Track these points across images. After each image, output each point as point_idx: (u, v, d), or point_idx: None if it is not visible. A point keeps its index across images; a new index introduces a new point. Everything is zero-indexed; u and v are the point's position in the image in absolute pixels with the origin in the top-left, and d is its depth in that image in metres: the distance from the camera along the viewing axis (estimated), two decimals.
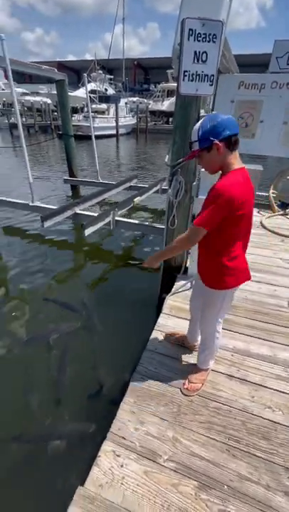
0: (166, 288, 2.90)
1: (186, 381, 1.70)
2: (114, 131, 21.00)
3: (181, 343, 1.99)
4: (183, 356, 1.93)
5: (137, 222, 4.12)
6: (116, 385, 2.20)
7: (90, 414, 2.01)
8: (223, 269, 1.37)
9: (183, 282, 2.73)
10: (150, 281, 3.64)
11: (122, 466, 1.32)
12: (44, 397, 2.13)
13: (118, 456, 1.36)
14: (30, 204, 4.67)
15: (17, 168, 10.50)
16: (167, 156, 2.50)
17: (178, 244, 1.38)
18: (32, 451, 1.83)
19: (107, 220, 3.99)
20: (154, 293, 3.26)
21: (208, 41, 1.82)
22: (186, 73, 1.93)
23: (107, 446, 1.40)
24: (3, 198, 5.03)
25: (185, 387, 1.67)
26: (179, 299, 2.54)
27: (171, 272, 2.90)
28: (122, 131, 22.43)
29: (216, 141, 1.19)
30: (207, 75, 1.95)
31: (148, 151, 15.80)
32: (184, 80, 1.96)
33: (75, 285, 3.56)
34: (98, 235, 4.77)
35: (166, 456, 1.37)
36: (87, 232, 3.62)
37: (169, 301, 2.52)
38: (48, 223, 3.89)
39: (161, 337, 2.09)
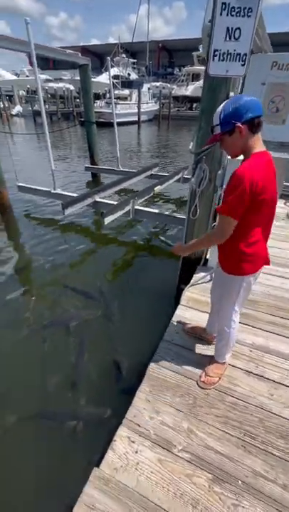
0: (185, 279, 2.86)
1: (203, 374, 1.69)
2: (136, 118, 20.59)
3: (198, 336, 1.97)
4: (200, 349, 1.91)
5: (156, 211, 4.06)
6: (132, 372, 2.23)
7: (105, 400, 2.06)
8: (241, 256, 1.33)
9: (202, 274, 2.68)
10: (168, 272, 3.61)
11: (136, 452, 1.35)
12: (61, 380, 2.21)
13: (133, 442, 1.39)
14: (52, 191, 4.74)
15: (39, 155, 10.65)
16: (192, 143, 2.40)
17: (212, 237, 1.36)
18: (49, 430, 1.91)
19: (126, 209, 3.97)
20: (172, 283, 3.23)
21: (243, 16, 1.68)
22: (216, 52, 1.80)
23: (122, 431, 1.43)
24: (26, 185, 5.14)
25: (202, 380, 1.66)
26: (197, 291, 2.49)
27: (191, 264, 2.85)
28: (144, 117, 21.97)
29: (239, 124, 1.15)
30: (239, 54, 1.82)
31: (170, 139, 15.40)
32: (213, 59, 1.84)
33: (93, 273, 3.60)
34: (117, 223, 4.78)
35: (180, 446, 1.37)
36: (107, 220, 3.63)
37: (187, 292, 2.48)
38: (68, 210, 3.93)
39: (178, 328, 2.08)
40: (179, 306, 2.32)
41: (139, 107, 20.75)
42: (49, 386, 2.17)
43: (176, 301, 2.86)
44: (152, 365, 1.79)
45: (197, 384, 1.66)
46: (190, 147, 2.40)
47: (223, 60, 1.85)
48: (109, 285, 3.36)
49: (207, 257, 2.84)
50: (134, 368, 2.27)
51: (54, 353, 2.45)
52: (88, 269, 3.68)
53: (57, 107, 23.29)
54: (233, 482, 1.24)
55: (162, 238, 4.48)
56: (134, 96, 21.80)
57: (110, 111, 19.36)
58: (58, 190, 4.74)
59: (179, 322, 2.14)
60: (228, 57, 1.83)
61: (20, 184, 5.14)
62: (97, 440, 1.77)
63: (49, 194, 4.80)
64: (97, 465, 1.30)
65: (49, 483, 1.62)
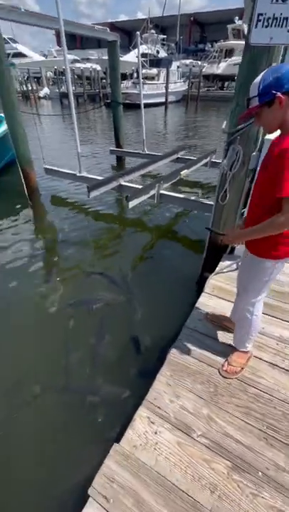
0: (209, 267, 2.78)
1: (226, 363, 1.65)
2: (163, 99, 19.82)
3: (222, 325, 1.92)
4: (223, 338, 1.86)
5: (182, 196, 3.93)
6: (150, 356, 2.26)
7: (122, 381, 2.10)
8: (278, 238, 1.24)
9: (228, 262, 2.58)
10: (191, 259, 3.54)
11: (155, 433, 1.37)
12: (82, 358, 2.28)
13: (152, 423, 1.41)
14: (78, 174, 4.75)
15: (65, 137, 10.69)
16: (225, 122, 2.24)
17: (280, 227, 1.16)
18: (70, 403, 1.99)
19: (151, 193, 3.89)
20: (195, 271, 3.17)
21: None
22: (260, 17, 1.63)
23: (142, 412, 1.45)
24: (53, 168, 5.19)
25: (224, 369, 1.63)
26: (222, 279, 2.42)
27: (217, 251, 2.76)
28: (171, 98, 21.07)
29: (279, 94, 1.06)
30: (286, 19, 1.62)
31: (198, 121, 14.71)
32: (256, 26, 1.66)
33: (116, 257, 3.62)
34: (142, 208, 4.73)
35: (199, 432, 1.37)
36: (131, 204, 3.58)
37: (212, 280, 2.42)
38: (93, 193, 3.93)
39: (201, 316, 2.04)
40: (203, 294, 2.27)
41: (166, 87, 19.90)
42: (71, 362, 2.25)
43: (199, 289, 2.81)
44: (174, 351, 1.78)
45: (219, 372, 1.64)
46: (223, 126, 2.25)
47: (267, 27, 1.66)
48: (131, 270, 3.36)
49: (234, 244, 2.72)
50: (153, 351, 2.29)
51: (77, 332, 2.53)
52: (111, 254, 3.70)
53: (83, 88, 23.02)
54: (253, 472, 1.22)
55: (186, 225, 4.37)
56: (162, 75, 20.88)
57: (137, 92, 18.83)
58: (84, 173, 4.74)
59: (201, 310, 2.10)
60: (274, 22, 1.64)
61: (46, 167, 5.20)
62: (115, 418, 1.83)
63: (74, 177, 4.82)
64: (117, 441, 1.34)
65: (68, 454, 1.71)
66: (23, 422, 1.85)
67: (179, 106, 21.41)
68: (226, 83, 24.92)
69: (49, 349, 2.37)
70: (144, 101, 6.26)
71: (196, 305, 2.16)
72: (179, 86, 22.87)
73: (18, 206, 4.92)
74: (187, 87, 22.22)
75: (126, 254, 3.64)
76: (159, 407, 1.48)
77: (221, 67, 24.72)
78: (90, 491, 1.17)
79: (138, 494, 1.16)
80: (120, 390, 2.01)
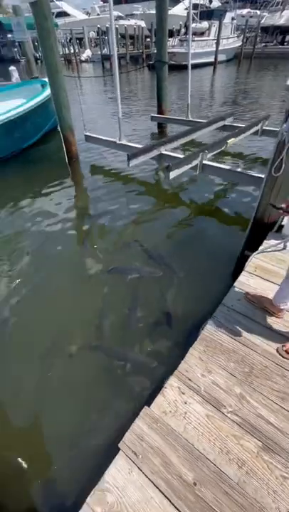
0: (252, 245, 2.60)
1: (288, 343, 1.58)
2: (212, 59, 17.82)
3: (263, 307, 1.81)
4: (262, 319, 1.77)
5: (227, 167, 3.64)
6: (182, 331, 2.26)
7: (152, 352, 2.15)
8: None
9: (274, 241, 2.38)
10: (231, 235, 3.35)
11: (185, 403, 1.38)
12: (115, 325, 2.36)
13: (183, 393, 1.42)
14: (118, 142, 4.62)
15: (105, 103, 10.37)
16: None
17: None
18: (103, 364, 2.11)
19: (194, 164, 3.66)
20: (234, 249, 3.00)
21: None
22: None
23: (173, 381, 1.47)
24: (93, 135, 5.11)
25: (285, 348, 1.56)
26: (266, 259, 2.25)
27: (262, 229, 2.54)
28: (221, 57, 18.87)
29: None
30: None
31: (250, 83, 13.13)
32: None
33: (153, 230, 3.55)
34: (182, 179, 4.50)
35: (230, 408, 1.36)
36: (172, 174, 3.42)
37: (255, 259, 2.26)
38: (133, 162, 3.82)
39: (240, 295, 1.94)
40: (243, 273, 2.15)
41: (217, 44, 17.75)
42: (104, 326, 2.36)
43: (238, 268, 2.67)
44: (208, 327, 1.74)
45: (277, 351, 1.57)
46: (287, 82, 1.94)
47: None
48: (167, 243, 3.29)
49: (283, 223, 2.48)
50: (184, 325, 2.29)
51: (112, 298, 2.61)
52: (148, 226, 3.64)
53: (126, 48, 21.69)
54: (284, 456, 1.19)
55: (229, 199, 4.09)
56: (214, 30, 18.61)
57: (184, 50, 17.20)
58: (123, 141, 4.60)
59: (240, 289, 1.99)
60: None
61: (87, 134, 5.14)
62: (143, 383, 1.90)
63: (114, 145, 4.71)
64: (147, 405, 1.39)
65: (99, 410, 1.84)
66: (60, 377, 2.01)
67: (230, 66, 19.22)
68: (288, 36, 21.55)
69: (84, 312, 2.49)
70: (191, 61, 5.67)
71: (235, 284, 2.05)
72: (231, 42, 20.30)
73: (59, 173, 5.00)
74: (241, 43, 19.72)
75: (163, 227, 3.56)
76: (189, 379, 1.48)
77: (284, 16, 21.33)
78: (120, 445, 1.25)
79: (166, 456, 1.21)
80: (149, 360, 2.06)
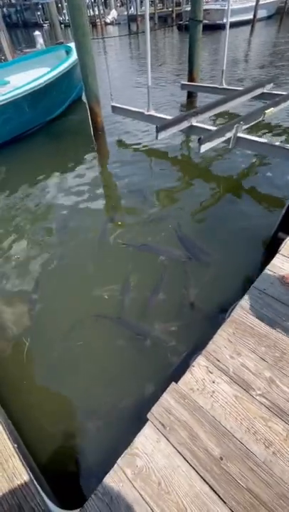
0: (286, 227, 2.46)
1: None
2: (250, 16, 15.93)
3: None
4: None
5: (264, 141, 3.35)
6: (206, 313, 2.24)
7: (173, 332, 2.16)
8: None
9: None
10: (264, 216, 3.17)
11: (213, 382, 1.40)
12: (136, 302, 2.38)
13: (211, 372, 1.43)
14: (146, 113, 4.39)
15: (131, 69, 9.78)
16: None
17: None
18: (126, 339, 2.16)
19: (227, 136, 3.41)
20: (266, 229, 2.86)
21: None
22: None
23: (201, 361, 1.48)
24: (120, 106, 4.88)
25: None
26: None
27: None
28: (261, 13, 16.80)
29: None
30: None
31: None
32: None
33: (180, 206, 3.42)
34: (212, 153, 4.24)
35: (259, 391, 1.35)
36: (204, 148, 3.22)
37: None
38: (162, 135, 3.63)
39: (273, 279, 1.86)
40: (277, 255, 2.04)
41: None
42: (126, 301, 2.39)
43: (270, 250, 2.55)
44: (238, 310, 1.71)
45: None
46: None
47: None
48: (195, 222, 3.19)
49: None
50: (209, 306, 2.26)
51: (136, 274, 2.62)
52: (175, 203, 3.52)
53: (154, 7, 19.95)
54: None
55: (263, 176, 3.82)
56: None
57: (219, 7, 15.46)
58: (152, 112, 4.36)
59: (274, 272, 1.91)
60: None
61: (114, 104, 4.92)
62: (166, 361, 1.94)
63: (142, 116, 4.48)
64: (175, 381, 1.42)
65: (126, 380, 1.92)
66: (87, 347, 2.10)
67: (271, 24, 17.15)
68: None
69: (107, 284, 2.53)
70: (225, 20, 5.07)
71: (268, 267, 1.96)
72: None
73: (84, 147, 4.91)
74: None
75: (191, 204, 3.42)
76: (218, 360, 1.48)
77: None
78: (149, 416, 1.30)
79: (193, 430, 1.24)
80: (168, 339, 2.07)
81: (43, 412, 1.81)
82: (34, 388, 1.92)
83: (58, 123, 5.98)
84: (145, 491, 1.10)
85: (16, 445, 1.31)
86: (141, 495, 1.10)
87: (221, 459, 1.16)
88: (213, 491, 1.09)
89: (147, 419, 1.30)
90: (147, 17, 3.57)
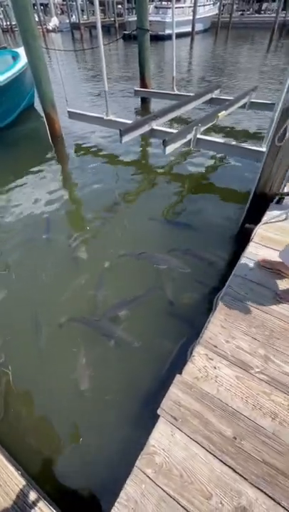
0: (252, 217, 2.66)
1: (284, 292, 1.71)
2: (188, 28, 17.06)
3: (275, 270, 1.89)
4: (275, 285, 1.84)
5: (222, 141, 3.60)
6: (185, 305, 2.31)
7: (158, 332, 2.19)
8: None
9: (277, 212, 2.43)
10: (228, 210, 3.38)
11: (214, 367, 1.44)
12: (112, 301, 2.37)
13: (211, 359, 1.48)
14: (105, 118, 4.40)
15: (80, 79, 9.74)
16: None
17: None
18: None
19: (188, 138, 3.58)
20: (233, 222, 3.07)
21: None
22: None
23: (200, 349, 1.52)
24: (77, 111, 4.82)
25: (281, 296, 1.70)
26: (271, 230, 2.31)
27: (263, 201, 2.59)
28: (198, 27, 18.14)
29: None
30: None
31: (229, 54, 12.80)
32: None
33: (145, 207, 3.48)
34: (173, 155, 4.41)
35: (257, 369, 1.43)
36: (168, 149, 3.34)
37: (260, 230, 2.31)
38: (125, 138, 3.67)
39: (251, 264, 2.00)
40: (251, 243, 2.20)
41: (194, 12, 16.96)
42: (100, 303, 2.36)
43: (240, 240, 2.73)
44: (225, 297, 1.79)
45: (277, 296, 1.72)
46: None
47: None
48: (163, 221, 3.26)
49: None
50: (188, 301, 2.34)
51: (119, 279, 2.59)
52: (140, 205, 3.57)
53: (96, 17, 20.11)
54: None
55: (223, 174, 4.09)
56: None
57: (160, 19, 16.25)
58: (111, 117, 4.38)
59: (250, 259, 2.05)
60: None
61: (70, 110, 4.84)
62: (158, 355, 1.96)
63: (102, 121, 4.48)
64: (179, 373, 1.43)
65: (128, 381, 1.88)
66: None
67: (207, 37, 18.55)
68: (265, 4, 20.93)
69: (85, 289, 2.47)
70: (167, 32, 5.41)
71: (245, 254, 2.10)
72: (208, 10, 19.52)
73: (42, 155, 4.73)
74: (217, 11, 18.96)
75: (157, 205, 3.51)
76: (215, 346, 1.54)
77: None
78: (159, 412, 1.29)
79: (203, 416, 1.27)
80: (132, 339, 2.08)
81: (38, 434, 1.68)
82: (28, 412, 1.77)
83: (10, 132, 5.65)
84: (169, 487, 1.09)
85: (19, 472, 1.20)
86: (165, 491, 1.08)
87: (235, 438, 1.20)
88: (233, 470, 1.12)
89: (158, 416, 1.29)
90: (98, 24, 3.60)
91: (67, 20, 21.46)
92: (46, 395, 1.84)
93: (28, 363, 2.01)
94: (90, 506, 1.43)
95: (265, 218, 2.42)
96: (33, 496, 1.19)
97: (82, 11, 21.70)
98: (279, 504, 1.04)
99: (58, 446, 1.63)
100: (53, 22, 22.73)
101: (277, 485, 1.08)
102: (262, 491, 1.07)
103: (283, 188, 2.52)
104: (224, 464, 1.14)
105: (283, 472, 1.11)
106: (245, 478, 1.10)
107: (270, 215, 2.44)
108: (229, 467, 1.13)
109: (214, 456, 1.16)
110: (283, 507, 1.03)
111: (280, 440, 1.19)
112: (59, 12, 25.91)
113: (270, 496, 1.06)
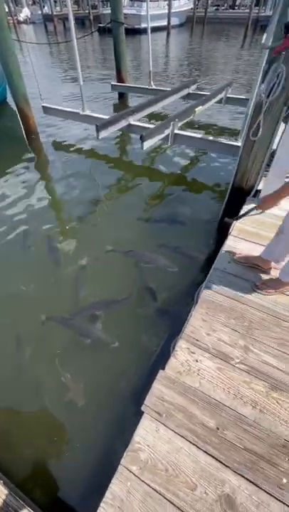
0: (231, 211, 2.71)
1: (259, 282, 1.76)
2: (164, 22, 16.97)
3: (252, 264, 1.93)
4: (253, 277, 1.88)
5: (199, 136, 3.62)
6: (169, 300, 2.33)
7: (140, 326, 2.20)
8: None
9: (253, 205, 2.49)
10: (208, 204, 3.43)
11: (196, 361, 1.46)
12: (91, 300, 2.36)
13: (193, 353, 1.50)
14: (81, 113, 4.30)
15: (54, 73, 9.45)
16: (265, 35, 1.92)
17: None
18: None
19: (166, 133, 3.57)
20: (213, 216, 3.11)
21: None
22: None
23: (182, 344, 1.54)
24: (52, 106, 4.68)
25: (258, 286, 1.75)
26: (249, 223, 2.36)
27: (240, 195, 2.64)
28: (174, 21, 18.06)
29: None
30: None
31: (205, 49, 12.88)
32: None
33: (126, 205, 3.47)
34: (151, 151, 4.40)
35: (237, 360, 1.47)
36: (146, 145, 3.32)
37: (238, 224, 2.36)
38: (102, 134, 3.61)
39: (229, 258, 2.04)
40: (229, 237, 2.24)
41: (169, 6, 16.86)
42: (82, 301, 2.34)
43: (220, 234, 2.78)
44: (205, 290, 1.82)
45: (255, 287, 1.78)
46: (262, 41, 1.93)
47: None
48: (143, 218, 3.26)
49: (259, 187, 2.60)
50: (171, 293, 2.36)
51: (102, 276, 2.56)
52: (120, 202, 3.55)
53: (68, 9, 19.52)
54: None
55: (201, 169, 4.13)
56: None
57: (135, 12, 16.02)
58: (88, 112, 4.29)
59: (229, 252, 2.09)
60: None
61: (45, 105, 4.68)
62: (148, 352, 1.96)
63: (78, 116, 4.38)
64: (162, 369, 1.44)
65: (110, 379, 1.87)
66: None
67: (183, 31, 18.55)
68: (238, 0, 21.19)
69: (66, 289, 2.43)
70: (143, 25, 5.37)
71: (224, 248, 2.14)
72: (182, 5, 19.46)
73: (17, 153, 4.56)
74: (192, 5, 18.97)
75: (137, 201, 3.50)
76: (197, 340, 1.56)
77: None
78: (143, 408, 1.29)
79: (187, 410, 1.29)
80: (110, 340, 2.06)
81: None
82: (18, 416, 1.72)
83: None
84: (154, 482, 1.10)
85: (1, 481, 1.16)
86: (151, 487, 1.09)
87: (218, 428, 1.23)
88: (216, 459, 1.15)
89: (143, 413, 1.29)
90: (71, 16, 3.49)
91: (40, 12, 20.68)
92: (27, 398, 1.80)
93: (7, 366, 1.96)
94: (76, 510, 1.42)
95: (242, 212, 2.46)
96: (16, 504, 1.16)
97: (56, 1, 20.98)
98: (260, 488, 1.07)
99: (42, 451, 1.60)
100: (24, 13, 21.81)
101: (258, 470, 1.11)
102: (244, 477, 1.10)
103: (259, 182, 2.58)
104: (208, 454, 1.16)
105: (263, 457, 1.14)
106: (228, 467, 1.13)
107: (247, 208, 2.49)
108: (212, 457, 1.15)
109: (198, 447, 1.18)
110: (264, 490, 1.07)
111: (261, 427, 1.23)
112: (30, 2, 24.90)
113: (252, 482, 1.09)
